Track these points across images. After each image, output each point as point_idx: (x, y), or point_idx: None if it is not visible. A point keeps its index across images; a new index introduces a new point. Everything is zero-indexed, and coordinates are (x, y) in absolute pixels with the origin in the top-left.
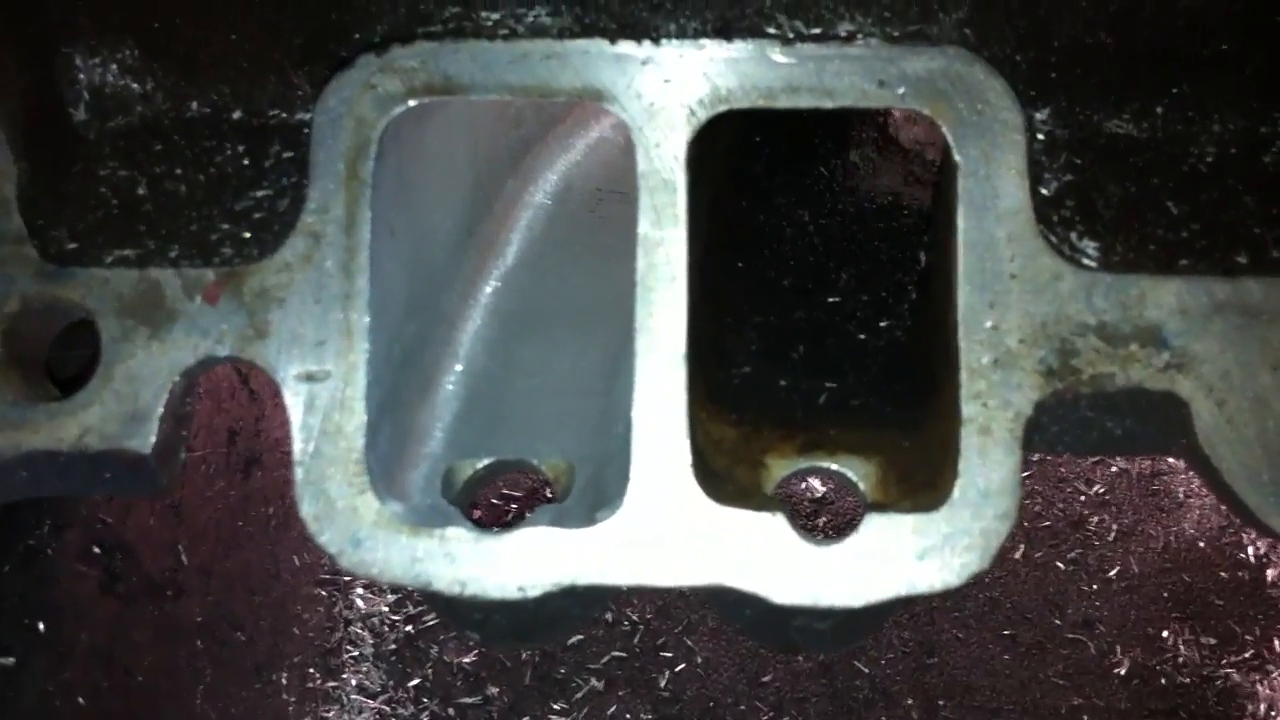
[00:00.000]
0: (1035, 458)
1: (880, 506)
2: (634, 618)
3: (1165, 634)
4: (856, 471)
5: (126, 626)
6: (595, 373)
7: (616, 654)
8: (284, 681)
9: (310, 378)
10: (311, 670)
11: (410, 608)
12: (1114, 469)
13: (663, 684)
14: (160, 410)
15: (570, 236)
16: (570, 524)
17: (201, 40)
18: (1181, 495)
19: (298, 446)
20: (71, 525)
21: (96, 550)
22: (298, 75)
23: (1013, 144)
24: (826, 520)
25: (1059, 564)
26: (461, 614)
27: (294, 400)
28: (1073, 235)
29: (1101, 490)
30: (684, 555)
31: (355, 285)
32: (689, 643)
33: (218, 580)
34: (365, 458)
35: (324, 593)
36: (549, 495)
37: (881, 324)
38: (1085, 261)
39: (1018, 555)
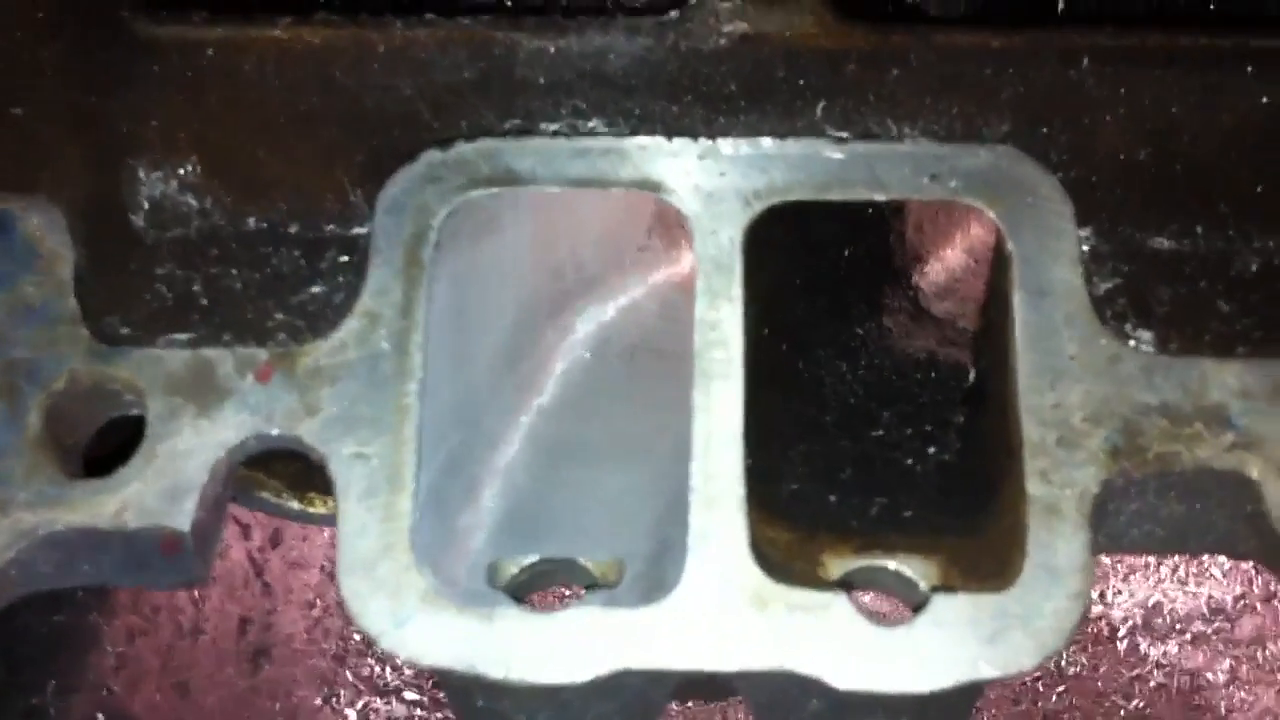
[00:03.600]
0: (1070, 671)
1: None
2: None
3: None
4: (916, 570)
5: None
6: (645, 489)
7: None
8: None
9: (360, 455)
10: None
11: None
12: (1153, 683)
13: None
14: (202, 487)
15: (608, 385)
16: (623, 606)
17: (263, 160)
18: (1223, 709)
19: (343, 525)
20: (78, 689)
21: (100, 718)
22: (355, 194)
23: (1065, 233)
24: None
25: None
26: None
27: (342, 477)
28: (1127, 326)
29: (1141, 704)
30: (742, 637)
31: (409, 365)
32: None
33: None
34: (412, 537)
35: None
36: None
37: (929, 451)
38: (1143, 348)
39: None
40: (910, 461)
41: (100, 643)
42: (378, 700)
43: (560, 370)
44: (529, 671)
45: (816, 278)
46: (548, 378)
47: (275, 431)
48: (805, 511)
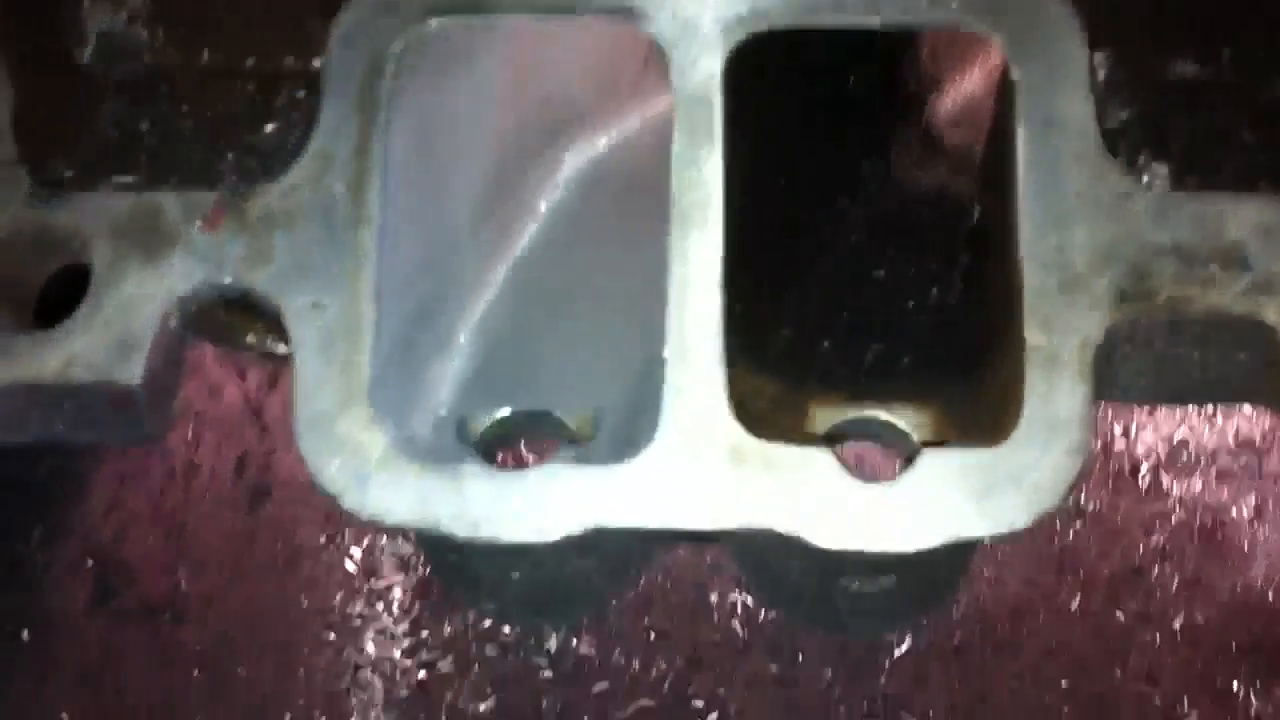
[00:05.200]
0: (1090, 508)
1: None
2: (663, 665)
3: (1235, 685)
4: (909, 420)
5: (118, 646)
6: (626, 339)
7: (644, 703)
8: None
9: (316, 305)
10: (316, 713)
11: (424, 654)
12: (1174, 520)
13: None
14: (151, 339)
15: (594, 229)
16: (596, 463)
17: None
18: (1246, 546)
19: (300, 380)
20: (64, 535)
21: (90, 563)
22: (313, 23)
23: (1075, 59)
24: None
25: (1119, 614)
26: (476, 575)
27: (297, 329)
28: (1140, 159)
29: (1161, 540)
30: (720, 494)
31: (366, 210)
32: (721, 693)
33: (220, 611)
34: (372, 392)
35: (333, 636)
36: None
37: (932, 291)
38: (1156, 183)
39: (1074, 606)
40: (911, 304)
41: (88, 488)
42: (383, 540)
43: (545, 209)
44: (496, 530)
45: (816, 108)
46: (532, 218)
47: (226, 280)
48: (795, 360)
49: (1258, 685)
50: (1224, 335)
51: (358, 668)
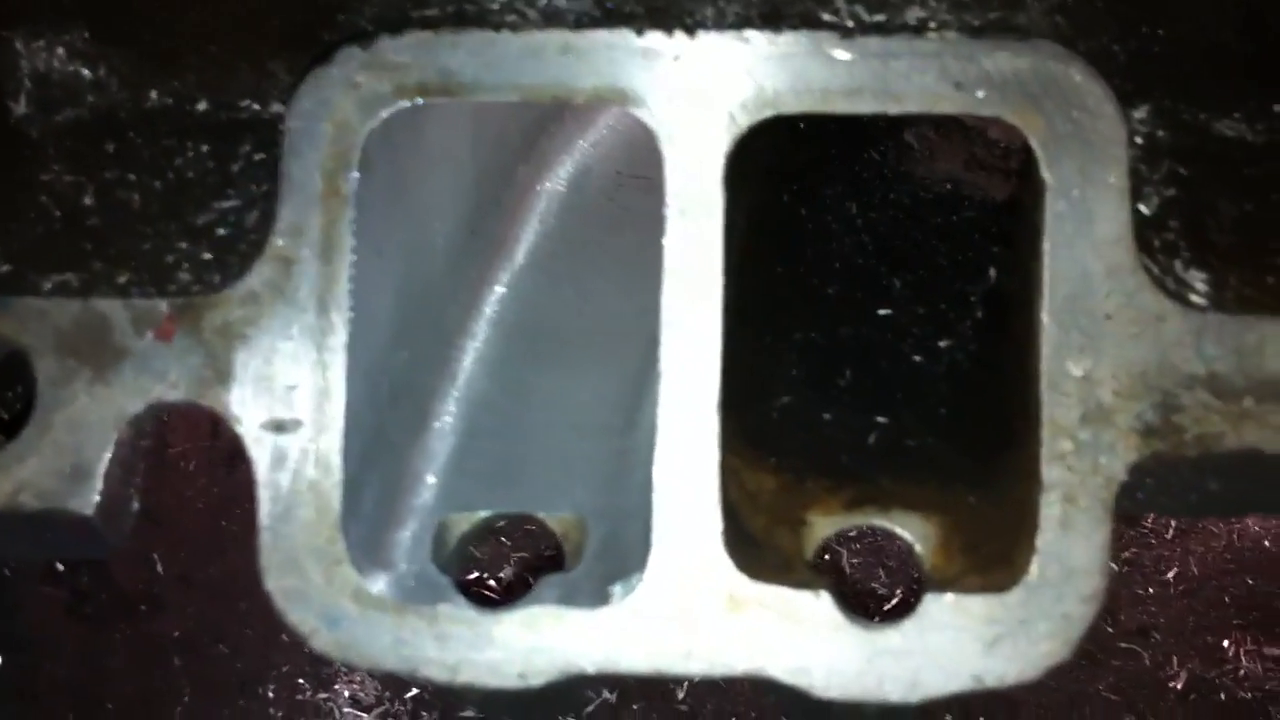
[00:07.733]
0: None
1: (942, 580)
2: None
3: (1226, 643)
4: (914, 531)
5: (97, 651)
6: (612, 405)
7: None
8: (271, 695)
9: (279, 428)
10: (301, 681)
11: None
12: None
13: (680, 696)
14: (104, 465)
15: (586, 233)
16: (581, 599)
17: (164, 21)
18: None
19: (264, 509)
20: None
21: (60, 568)
22: (274, 62)
23: (1113, 160)
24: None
25: (1113, 564)
26: (458, 691)
27: (260, 454)
28: (1178, 265)
29: None
30: (713, 641)
31: (333, 320)
32: None
33: (198, 589)
34: (342, 522)
35: None
36: (555, 554)
37: (940, 344)
38: (1193, 298)
39: None
40: (918, 358)
41: None
42: None
43: (534, 216)
44: (475, 677)
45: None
46: (519, 230)
47: (180, 398)
48: (796, 438)
49: (1249, 644)
50: (1254, 470)
51: None
